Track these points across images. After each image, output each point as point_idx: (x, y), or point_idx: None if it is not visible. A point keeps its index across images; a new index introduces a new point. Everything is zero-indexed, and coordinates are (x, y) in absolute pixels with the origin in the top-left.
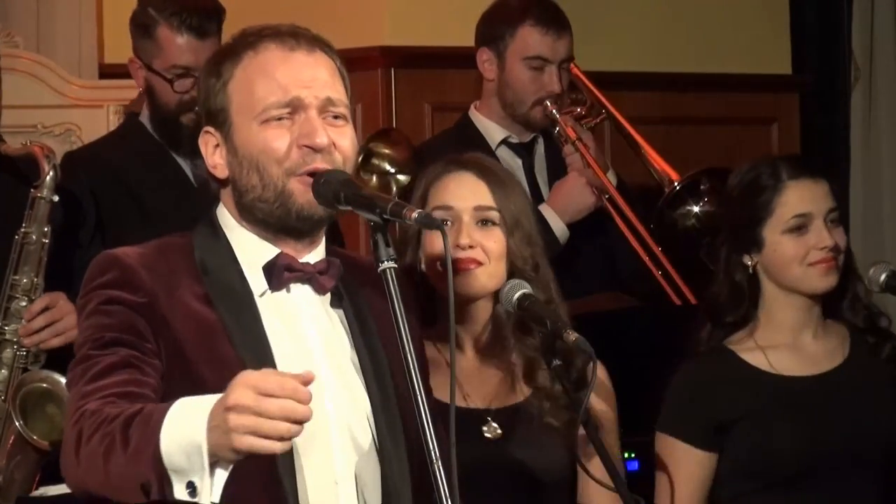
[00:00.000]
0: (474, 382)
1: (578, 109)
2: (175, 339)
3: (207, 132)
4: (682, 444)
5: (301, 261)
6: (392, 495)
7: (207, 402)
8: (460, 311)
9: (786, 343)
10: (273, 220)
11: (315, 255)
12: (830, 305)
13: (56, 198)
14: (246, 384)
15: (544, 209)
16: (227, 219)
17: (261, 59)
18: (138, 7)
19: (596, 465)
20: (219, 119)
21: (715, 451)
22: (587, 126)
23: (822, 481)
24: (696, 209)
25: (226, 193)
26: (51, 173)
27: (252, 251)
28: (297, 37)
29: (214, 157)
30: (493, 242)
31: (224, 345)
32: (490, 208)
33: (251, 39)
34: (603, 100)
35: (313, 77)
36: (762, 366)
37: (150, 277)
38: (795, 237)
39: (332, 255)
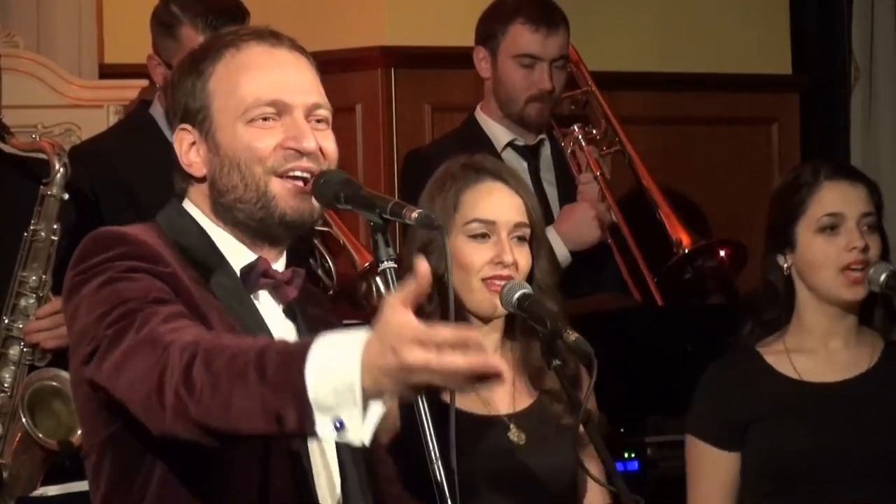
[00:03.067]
0: (493, 389)
1: (594, 132)
2: (199, 310)
3: (183, 129)
4: (705, 445)
5: (273, 267)
6: None
7: (352, 341)
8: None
9: (814, 348)
10: (254, 223)
11: (282, 263)
12: (868, 314)
13: (66, 195)
14: (410, 340)
15: (550, 232)
16: (197, 215)
17: (244, 57)
18: (161, 4)
19: (592, 464)
20: (198, 117)
21: (738, 451)
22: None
23: (835, 487)
24: (703, 271)
25: (197, 192)
26: (61, 171)
27: (227, 250)
28: (277, 36)
29: (189, 154)
30: (525, 260)
31: (229, 325)
32: (525, 225)
33: (230, 38)
34: (622, 135)
35: (299, 79)
36: (783, 369)
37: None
38: (826, 237)
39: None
